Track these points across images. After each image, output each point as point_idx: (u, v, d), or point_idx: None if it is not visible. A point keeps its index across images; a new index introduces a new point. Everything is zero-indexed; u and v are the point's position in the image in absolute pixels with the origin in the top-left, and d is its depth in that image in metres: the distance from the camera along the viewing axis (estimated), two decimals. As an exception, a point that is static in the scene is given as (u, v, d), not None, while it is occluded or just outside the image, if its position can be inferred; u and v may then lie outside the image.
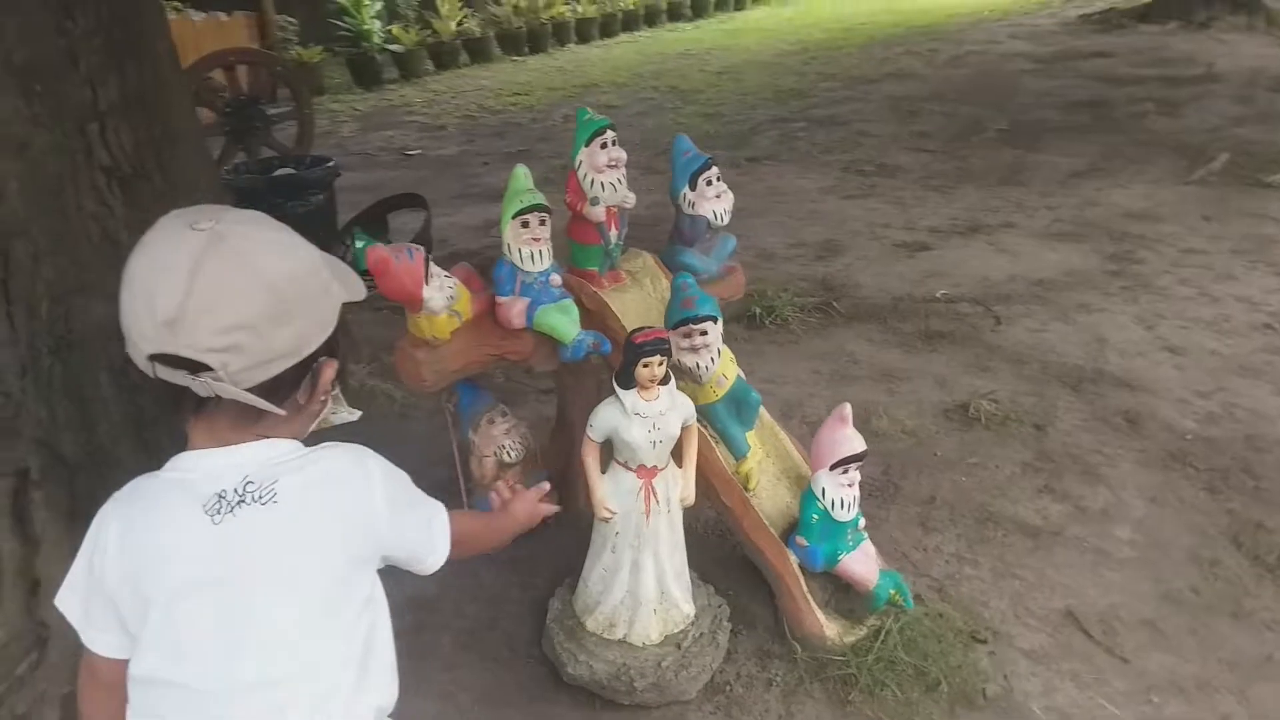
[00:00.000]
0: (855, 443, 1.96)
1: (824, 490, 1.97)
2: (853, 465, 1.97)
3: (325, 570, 1.11)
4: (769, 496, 2.14)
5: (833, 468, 1.96)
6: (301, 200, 4.34)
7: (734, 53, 11.01)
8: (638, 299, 2.29)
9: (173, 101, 2.81)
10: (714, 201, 2.35)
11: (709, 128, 7.20)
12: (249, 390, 1.04)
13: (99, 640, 1.11)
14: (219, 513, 1.06)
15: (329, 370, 1.15)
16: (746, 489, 2.10)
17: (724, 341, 2.05)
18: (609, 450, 1.88)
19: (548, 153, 6.90)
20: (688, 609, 1.94)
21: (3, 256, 2.60)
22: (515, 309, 2.09)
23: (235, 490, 1.06)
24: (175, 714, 1.07)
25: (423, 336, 2.03)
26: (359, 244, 2.01)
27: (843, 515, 1.97)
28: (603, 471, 1.87)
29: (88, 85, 2.58)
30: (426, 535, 1.25)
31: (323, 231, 4.40)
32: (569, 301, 2.13)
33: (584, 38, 12.90)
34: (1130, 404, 2.87)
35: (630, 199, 2.24)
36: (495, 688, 1.96)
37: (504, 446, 2.26)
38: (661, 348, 1.74)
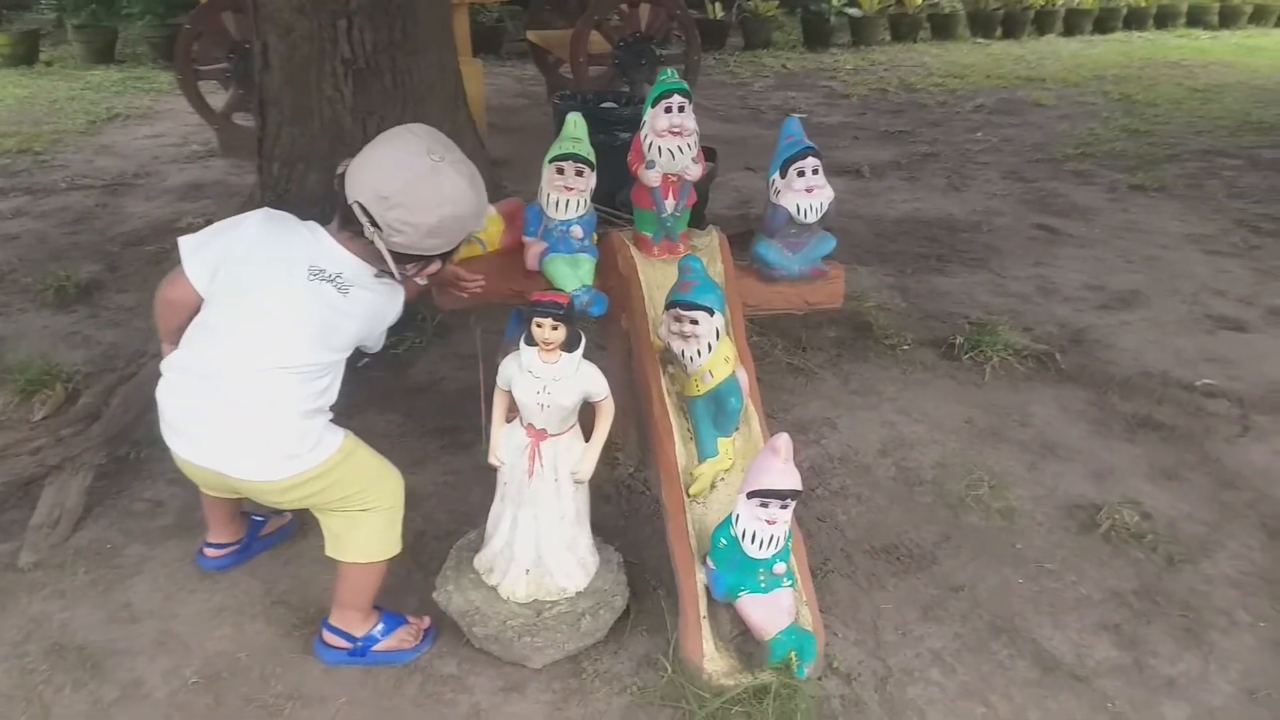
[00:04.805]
0: (778, 478, 1.75)
1: (737, 517, 1.79)
2: (774, 501, 1.76)
3: (345, 338, 1.75)
4: (719, 511, 1.99)
5: (750, 496, 1.77)
6: (609, 135, 4.58)
7: (1233, 71, 9.39)
8: (680, 275, 2.20)
9: (421, 14, 3.15)
10: (800, 194, 2.16)
11: (1121, 145, 6.31)
12: (391, 251, 1.67)
13: (196, 273, 1.71)
14: (314, 278, 1.69)
15: (434, 266, 1.78)
16: (689, 492, 1.97)
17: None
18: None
19: (925, 138, 6.54)
20: (565, 583, 1.89)
21: (262, 118, 3.16)
22: (531, 251, 2.13)
23: (329, 273, 1.70)
24: (207, 344, 1.71)
25: (437, 253, 2.15)
26: None
27: (753, 550, 1.78)
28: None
29: (345, -17, 2.98)
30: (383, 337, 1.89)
31: (621, 166, 4.63)
32: (586, 256, 2.13)
33: (1070, 30, 11.79)
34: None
35: (693, 170, 2.15)
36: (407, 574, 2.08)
37: (518, 380, 2.32)
38: (553, 311, 1.70)
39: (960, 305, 3.62)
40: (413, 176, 1.64)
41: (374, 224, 1.65)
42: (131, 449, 2.48)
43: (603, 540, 2.08)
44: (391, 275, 1.74)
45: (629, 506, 2.36)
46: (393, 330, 3.09)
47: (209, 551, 2.11)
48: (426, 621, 1.95)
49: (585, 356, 1.81)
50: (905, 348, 3.18)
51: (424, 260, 1.75)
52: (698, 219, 4.45)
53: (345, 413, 2.67)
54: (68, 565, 2.13)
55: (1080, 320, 3.50)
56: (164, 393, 1.74)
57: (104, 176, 5.49)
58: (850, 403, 2.86)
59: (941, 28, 11.21)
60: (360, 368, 3.00)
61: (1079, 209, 4.92)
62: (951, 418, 2.79)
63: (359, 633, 1.87)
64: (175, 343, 1.78)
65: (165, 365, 1.75)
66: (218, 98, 6.05)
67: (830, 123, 7.11)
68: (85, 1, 9.23)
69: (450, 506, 2.35)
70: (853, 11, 10.66)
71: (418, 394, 2.87)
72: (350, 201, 1.66)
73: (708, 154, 4.71)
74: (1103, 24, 12.03)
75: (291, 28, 3.01)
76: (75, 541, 2.21)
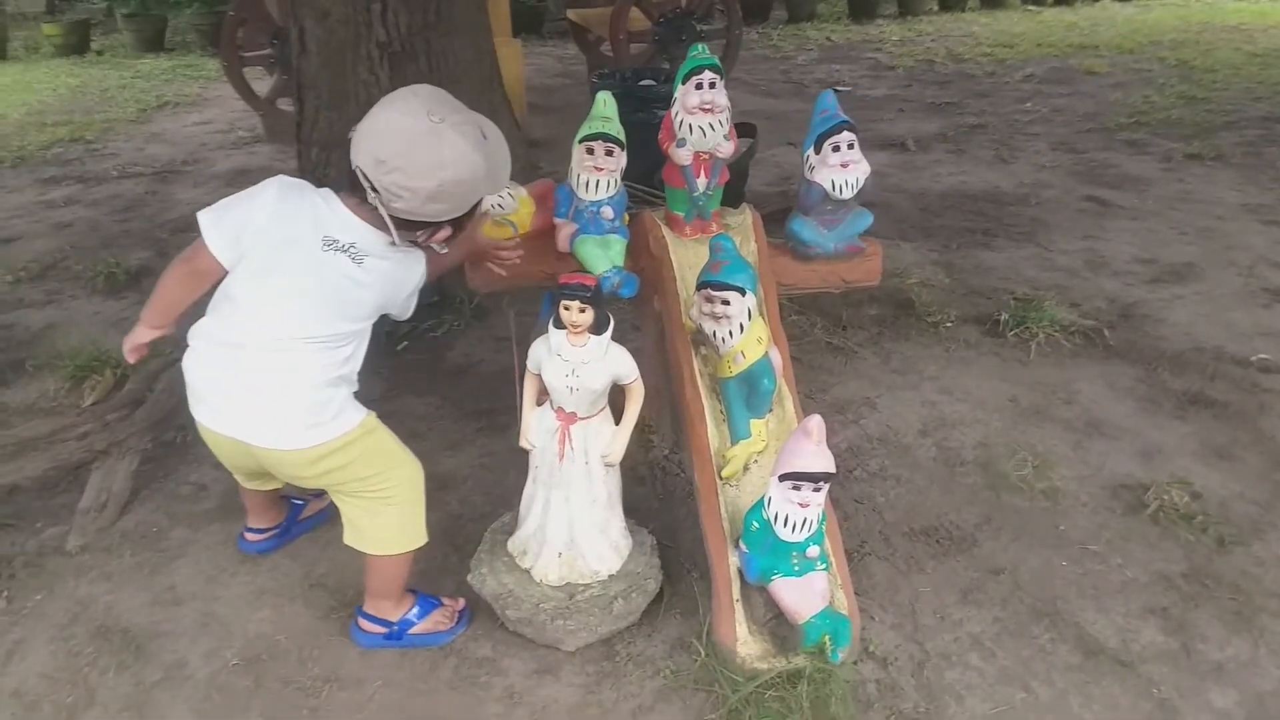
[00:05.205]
0: (810, 460, 1.72)
1: (770, 500, 1.77)
2: (807, 484, 1.73)
3: (365, 308, 1.72)
4: (752, 494, 1.97)
5: (782, 479, 1.75)
6: (646, 112, 4.54)
7: (1298, 33, 9.06)
8: (713, 255, 2.17)
9: (456, -3, 3.12)
10: (835, 170, 2.12)
11: (1177, 112, 6.11)
12: (391, 216, 1.64)
13: (218, 245, 1.66)
14: (328, 249, 1.66)
15: (443, 233, 1.72)
16: (721, 475, 1.95)
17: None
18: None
19: (973, 109, 6.40)
20: (598, 566, 1.89)
21: (300, 103, 3.18)
22: (563, 232, 2.12)
23: (343, 243, 1.67)
24: (230, 315, 1.68)
25: (468, 237, 2.14)
26: None
27: (786, 534, 1.76)
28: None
29: (380, -31, 2.98)
30: (410, 305, 1.86)
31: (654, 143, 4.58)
32: (617, 237, 2.11)
33: (1126, -6, 11.43)
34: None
35: (725, 148, 2.12)
36: (443, 557, 2.10)
37: (551, 363, 2.31)
38: (580, 293, 1.68)
39: (1006, 281, 3.54)
40: (410, 139, 1.58)
41: (374, 189, 1.61)
42: (177, 433, 2.53)
43: (636, 523, 2.07)
44: (410, 242, 1.72)
45: (663, 489, 2.35)
46: (431, 313, 3.14)
47: (249, 536, 2.14)
48: (461, 604, 1.96)
49: (617, 338, 1.79)
50: (948, 325, 3.12)
51: (432, 227, 1.70)
52: (737, 196, 4.42)
53: (384, 395, 2.71)
54: (114, 549, 2.18)
55: (1130, 295, 3.41)
56: (190, 362, 1.74)
57: (154, 164, 5.60)
58: (890, 382, 2.82)
59: (991, -5, 10.94)
60: (400, 350, 3.04)
61: (1131, 180, 4.79)
62: (995, 396, 2.74)
63: (394, 617, 1.89)
64: (161, 325, 1.78)
65: (192, 334, 1.74)
66: (263, 84, 6.11)
67: (875, 95, 6.99)
68: (135, -9, 9.39)
69: (486, 489, 2.36)
70: (899, -19, 10.46)
71: (456, 376, 2.88)
72: (353, 166, 1.63)
73: (747, 130, 4.67)
74: (1160, -13, 11.66)
75: (327, 12, 3.02)
76: (122, 525, 2.26)
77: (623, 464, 1.91)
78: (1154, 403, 2.71)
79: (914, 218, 4.33)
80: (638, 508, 2.24)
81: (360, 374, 1.81)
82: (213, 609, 2.00)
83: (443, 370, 2.92)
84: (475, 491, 2.35)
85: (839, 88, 7.24)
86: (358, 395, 1.80)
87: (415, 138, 1.58)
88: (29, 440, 2.15)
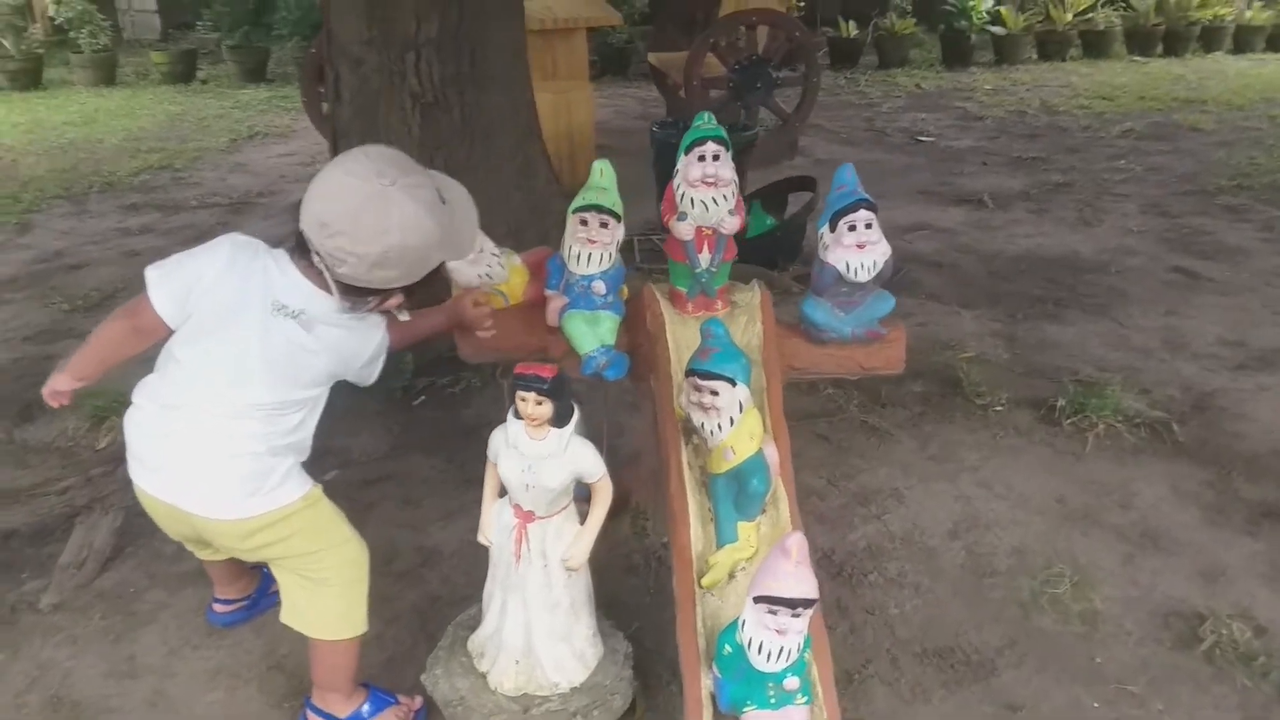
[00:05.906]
0: (787, 584, 1.53)
1: (744, 622, 1.59)
2: (784, 609, 1.55)
3: (316, 374, 1.63)
4: (737, 607, 1.78)
5: (756, 601, 1.57)
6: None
7: None
8: (715, 335, 2.01)
9: (491, 47, 3.08)
10: (849, 251, 1.95)
11: (1285, 176, 5.70)
12: (336, 282, 1.56)
13: (162, 303, 1.57)
14: (277, 313, 1.57)
15: (394, 300, 1.64)
16: (700, 583, 1.78)
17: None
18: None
19: (1061, 165, 6.08)
20: (557, 678, 1.73)
21: (334, 150, 3.15)
22: (552, 306, 2.00)
23: (292, 308, 1.58)
24: (174, 375, 1.60)
25: (457, 306, 2.03)
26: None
27: (760, 662, 1.57)
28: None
29: (414, 18, 2.97)
30: (370, 372, 1.74)
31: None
32: (609, 314, 1.98)
33: (1240, 48, 10.88)
34: None
35: (730, 223, 1.96)
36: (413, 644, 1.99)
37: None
38: (535, 385, 1.55)
39: (1071, 359, 3.28)
40: (356, 203, 1.50)
41: (318, 253, 1.53)
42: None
43: (619, 621, 1.92)
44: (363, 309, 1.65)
45: (656, 582, 2.18)
46: (450, 368, 3.05)
47: (217, 608, 2.06)
48: (418, 703, 1.83)
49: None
50: (999, 408, 2.89)
51: (381, 294, 1.61)
52: (794, 250, 4.23)
53: (391, 452, 2.62)
54: (86, 609, 2.13)
55: (1209, 382, 3.11)
56: (131, 421, 1.66)
57: (231, 194, 5.73)
58: (925, 471, 2.60)
59: (1094, 45, 10.52)
60: (415, 405, 2.95)
61: (1226, 250, 4.44)
62: (1040, 494, 2.49)
63: (341, 713, 1.77)
64: (88, 377, 1.68)
65: (136, 391, 1.65)
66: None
67: (959, 147, 6.72)
68: (239, 22, 9.73)
69: (470, 568, 2.22)
70: (996, 29, 10.13)
71: (466, 437, 2.76)
72: (299, 228, 1.55)
73: (807, 184, 4.50)
74: (1276, 42, 11.04)
75: (362, 60, 2.99)
76: (101, 583, 2.21)
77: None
78: (1222, 513, 2.43)
79: (981, 282, 4.09)
80: (626, 601, 2.09)
81: (316, 437, 1.72)
82: (165, 686, 1.92)
83: (454, 429, 2.81)
84: (459, 570, 2.23)
85: (921, 137, 7.00)
86: (319, 461, 1.71)
87: (362, 201, 1.50)
88: (9, 493, 2.12)
